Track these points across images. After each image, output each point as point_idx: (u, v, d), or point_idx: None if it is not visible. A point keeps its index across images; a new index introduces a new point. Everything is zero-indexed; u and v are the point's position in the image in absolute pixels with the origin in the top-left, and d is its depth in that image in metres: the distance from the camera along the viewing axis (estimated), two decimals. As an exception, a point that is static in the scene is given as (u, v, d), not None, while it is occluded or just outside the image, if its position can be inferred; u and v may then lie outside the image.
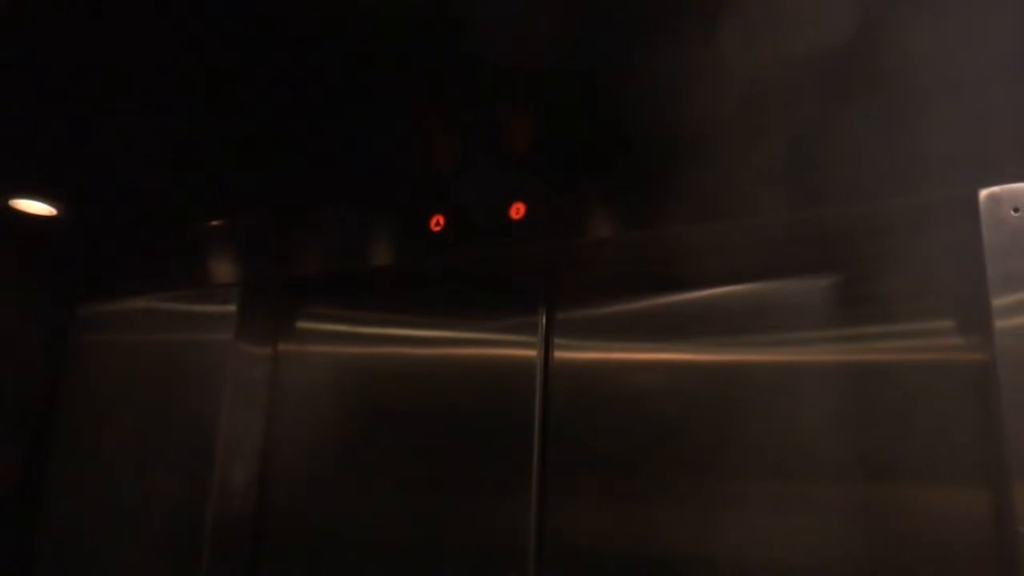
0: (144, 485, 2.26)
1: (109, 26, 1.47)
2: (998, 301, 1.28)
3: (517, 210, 1.91)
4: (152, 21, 1.44)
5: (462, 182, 2.03)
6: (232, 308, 2.29)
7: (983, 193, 1.33)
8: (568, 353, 1.93)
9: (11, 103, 1.81)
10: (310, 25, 1.44)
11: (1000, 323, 1.27)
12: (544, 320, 1.98)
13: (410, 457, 2.06)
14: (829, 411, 1.55)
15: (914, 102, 1.42)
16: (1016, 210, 1.29)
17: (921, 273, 1.51)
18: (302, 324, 2.37)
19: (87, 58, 1.59)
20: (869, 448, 1.50)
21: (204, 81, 1.68)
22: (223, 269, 2.37)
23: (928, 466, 1.44)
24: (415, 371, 2.13)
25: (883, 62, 1.39)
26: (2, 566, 2.38)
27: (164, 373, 2.34)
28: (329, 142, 1.94)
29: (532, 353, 1.96)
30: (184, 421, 2.25)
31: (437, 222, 2.02)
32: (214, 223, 2.42)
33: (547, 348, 1.96)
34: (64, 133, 1.95)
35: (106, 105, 1.80)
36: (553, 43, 1.44)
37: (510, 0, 1.32)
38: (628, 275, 1.90)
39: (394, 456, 2.09)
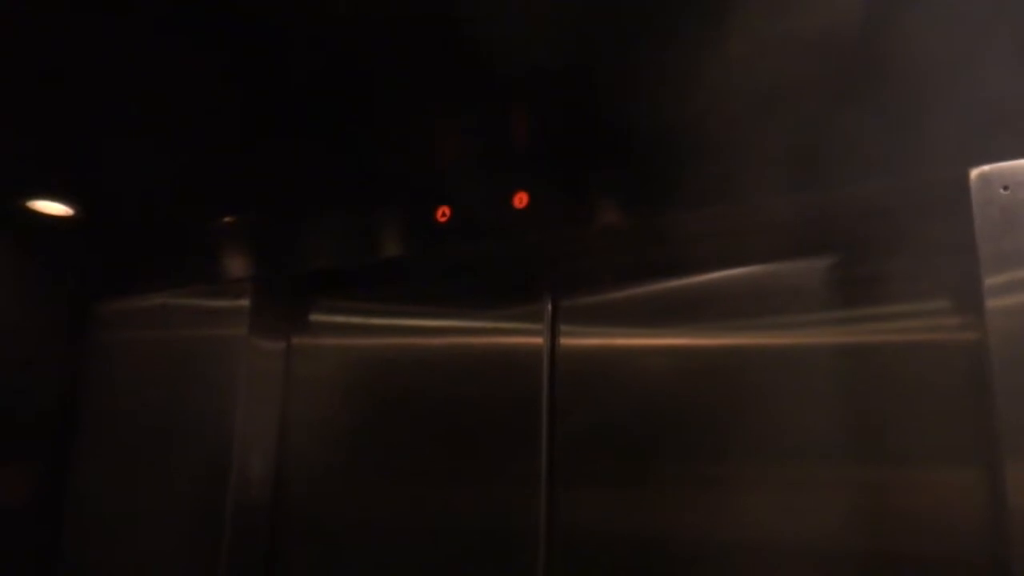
0: (163, 477, 2.32)
1: (121, 30, 1.51)
2: (990, 280, 1.28)
3: (520, 199, 1.92)
4: (163, 25, 1.48)
5: (466, 174, 2.05)
6: (245, 303, 2.32)
7: (973, 172, 1.33)
8: (574, 340, 1.95)
9: (26, 106, 1.86)
10: (314, 22, 1.47)
11: (991, 302, 1.27)
12: (550, 307, 2.00)
13: (420, 444, 2.10)
14: (827, 392, 1.57)
15: (904, 84, 1.42)
16: (1006, 188, 1.29)
17: (914, 254, 1.51)
18: (315, 317, 2.40)
19: (98, 59, 1.62)
20: (866, 427, 1.52)
21: (213, 81, 1.72)
22: (235, 264, 2.41)
23: (922, 444, 1.45)
24: (424, 360, 2.16)
25: (873, 46, 1.40)
26: (29, 557, 2.45)
27: (181, 368, 2.39)
28: (336, 138, 1.97)
29: (539, 340, 1.98)
30: (201, 414, 2.30)
31: (443, 213, 2.04)
32: (226, 219, 2.46)
33: (553, 335, 1.98)
34: (78, 134, 1.99)
35: (118, 106, 1.84)
36: (554, 34, 1.46)
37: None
38: (631, 261, 1.92)
39: (404, 444, 2.12)
